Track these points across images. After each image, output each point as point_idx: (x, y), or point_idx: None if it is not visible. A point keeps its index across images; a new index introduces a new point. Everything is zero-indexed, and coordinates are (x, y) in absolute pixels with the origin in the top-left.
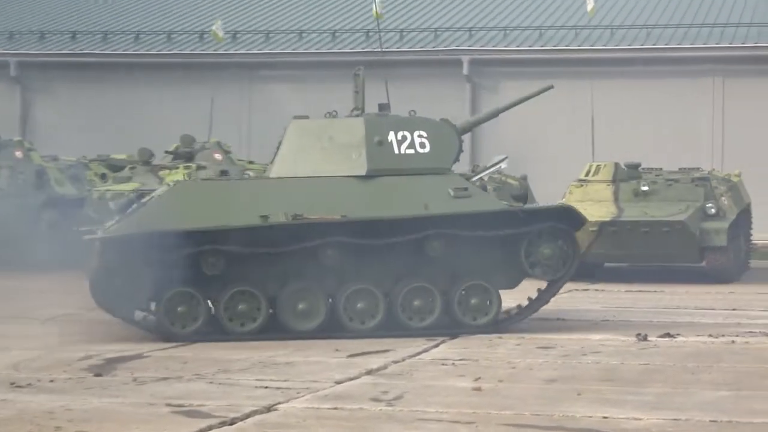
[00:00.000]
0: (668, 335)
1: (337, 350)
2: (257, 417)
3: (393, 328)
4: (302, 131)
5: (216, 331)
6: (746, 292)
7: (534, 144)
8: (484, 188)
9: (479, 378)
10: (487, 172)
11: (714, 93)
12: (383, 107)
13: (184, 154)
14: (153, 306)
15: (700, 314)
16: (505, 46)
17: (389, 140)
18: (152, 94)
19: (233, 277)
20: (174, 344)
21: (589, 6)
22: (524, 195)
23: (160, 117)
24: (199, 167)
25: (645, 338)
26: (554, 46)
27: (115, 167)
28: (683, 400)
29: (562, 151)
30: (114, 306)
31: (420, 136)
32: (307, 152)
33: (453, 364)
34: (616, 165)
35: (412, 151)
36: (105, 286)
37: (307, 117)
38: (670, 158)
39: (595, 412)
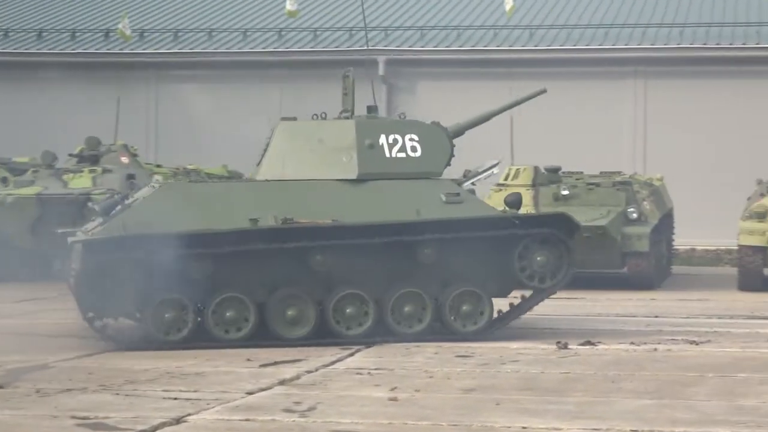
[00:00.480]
0: (589, 343)
1: (248, 360)
2: (166, 429)
3: (383, 333)
4: (290, 133)
5: (203, 338)
6: (668, 298)
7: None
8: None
9: (395, 388)
10: (478, 177)
11: (636, 94)
12: (371, 109)
13: (89, 157)
14: (138, 312)
15: (622, 321)
16: (422, 47)
17: (380, 143)
18: (55, 94)
19: (221, 283)
20: (79, 354)
21: (508, 6)
22: (518, 201)
23: (63, 118)
24: (105, 171)
25: (565, 346)
26: (472, 47)
27: (17, 171)
28: (604, 409)
29: (482, 155)
30: (100, 310)
31: (411, 139)
32: (296, 154)
33: (369, 373)
34: (536, 169)
35: (403, 154)
36: (90, 290)
37: (294, 118)
38: (591, 162)
39: (515, 422)
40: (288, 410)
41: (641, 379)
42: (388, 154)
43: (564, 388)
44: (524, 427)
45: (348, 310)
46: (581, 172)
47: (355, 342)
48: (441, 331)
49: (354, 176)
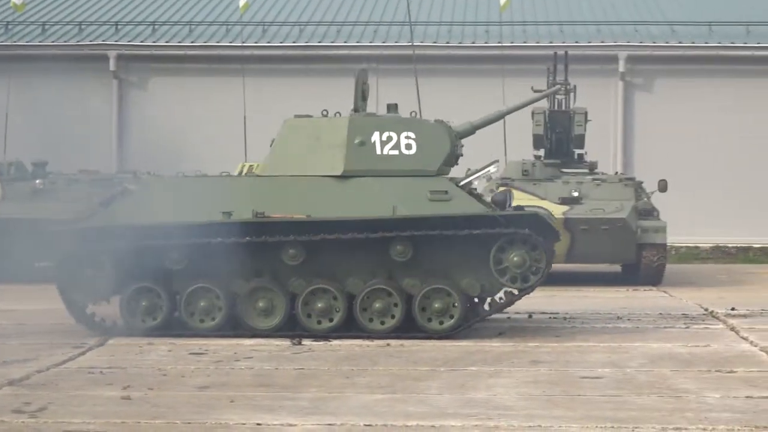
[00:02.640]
0: (324, 338)
1: None
2: None
3: (352, 329)
4: (294, 130)
5: (177, 327)
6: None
7: (181, 145)
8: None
9: (128, 386)
10: (476, 175)
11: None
12: (391, 108)
13: None
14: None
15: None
16: (154, 42)
17: (372, 141)
18: None
19: (195, 274)
20: None
21: (242, 2)
22: (504, 200)
23: None
24: None
25: (299, 342)
26: (205, 42)
27: None
28: (338, 404)
29: (213, 151)
30: (76, 295)
31: (408, 137)
32: (297, 151)
33: (101, 372)
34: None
35: (396, 152)
36: (71, 275)
37: (310, 116)
38: None
39: (249, 418)
40: (18, 411)
41: (375, 374)
42: (379, 152)
43: (298, 384)
44: (258, 424)
45: (319, 305)
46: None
47: (322, 335)
48: (412, 329)
49: (339, 172)
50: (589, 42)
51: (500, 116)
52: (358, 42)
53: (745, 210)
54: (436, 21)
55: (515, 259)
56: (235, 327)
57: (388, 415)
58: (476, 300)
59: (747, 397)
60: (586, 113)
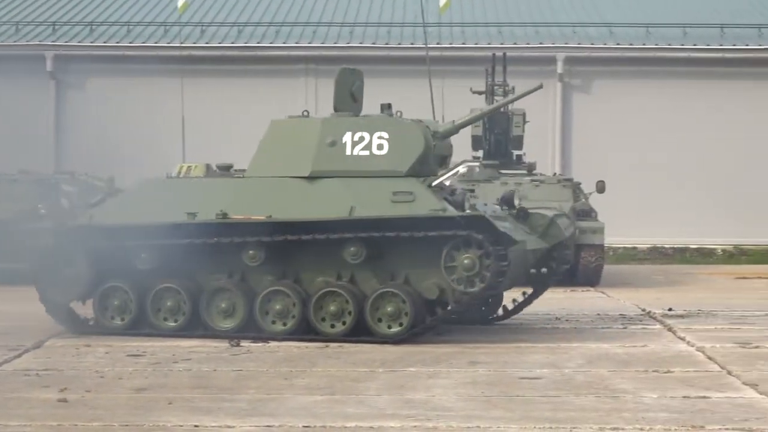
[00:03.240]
0: (261, 340)
1: None
2: None
3: (307, 331)
4: (276, 131)
5: (146, 326)
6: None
7: (119, 145)
8: (462, 195)
9: (65, 389)
10: (444, 177)
11: (307, 93)
12: (384, 108)
13: None
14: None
15: None
16: (91, 42)
17: (343, 141)
18: None
19: (163, 274)
20: None
21: (180, 2)
22: (512, 198)
23: None
24: None
25: (238, 344)
26: (143, 43)
27: None
28: (276, 405)
29: (151, 152)
30: (53, 294)
31: (381, 137)
32: (276, 152)
33: (37, 374)
34: (208, 166)
35: (366, 152)
36: (48, 274)
37: (296, 117)
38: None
39: (187, 420)
40: None
41: (313, 375)
42: (349, 152)
43: (237, 385)
44: (196, 426)
45: (277, 307)
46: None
47: (280, 338)
48: (365, 333)
49: (307, 173)
50: (528, 43)
51: (482, 116)
52: (296, 43)
53: (682, 211)
54: (375, 22)
55: (465, 261)
56: (200, 328)
57: (327, 417)
58: (436, 303)
59: (684, 397)
60: (524, 114)
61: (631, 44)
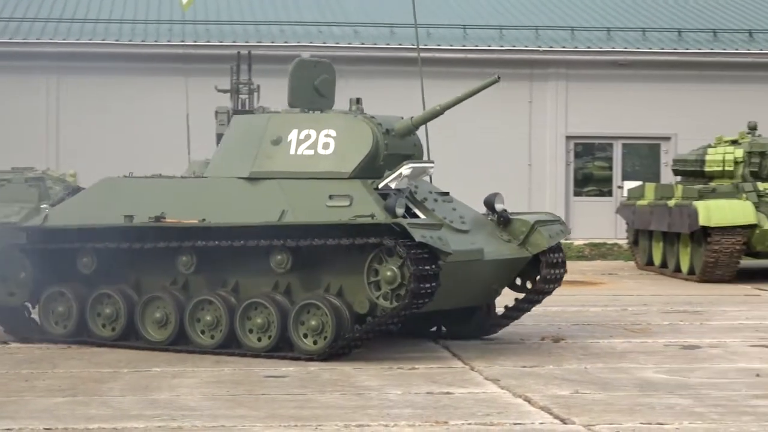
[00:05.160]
0: (4, 342)
1: None
2: None
3: (234, 345)
4: (235, 128)
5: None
6: None
7: None
8: (394, 199)
9: None
10: (389, 179)
11: (48, 94)
12: (352, 102)
13: None
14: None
15: None
16: None
17: (288, 140)
18: None
19: (103, 280)
20: None
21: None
22: (491, 202)
23: None
24: None
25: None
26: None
27: None
28: (17, 408)
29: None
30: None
31: (327, 135)
32: (230, 150)
33: None
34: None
35: (311, 152)
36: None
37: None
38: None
39: None
40: None
41: (55, 377)
42: (293, 152)
43: None
44: None
45: (207, 317)
46: None
47: (208, 351)
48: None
49: (246, 174)
50: (273, 42)
51: (437, 113)
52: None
53: None
54: (118, 19)
55: (387, 274)
56: (135, 338)
57: (69, 419)
58: (369, 318)
59: (428, 393)
60: None
61: (374, 44)
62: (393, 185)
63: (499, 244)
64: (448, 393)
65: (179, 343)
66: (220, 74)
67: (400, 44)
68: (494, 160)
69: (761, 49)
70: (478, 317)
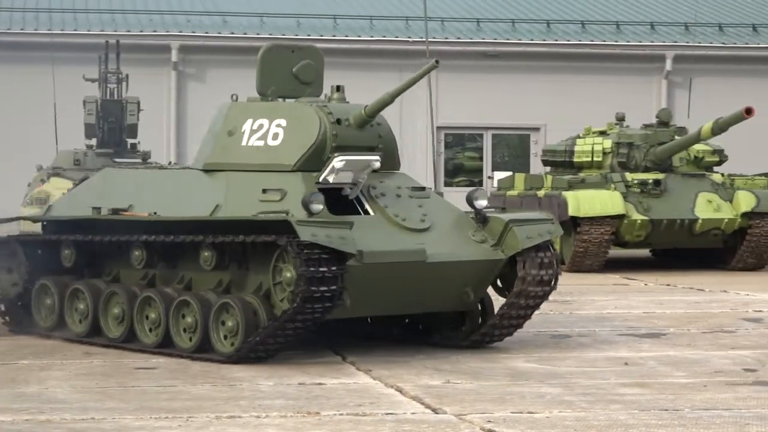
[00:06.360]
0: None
1: None
2: None
3: (170, 345)
4: (218, 116)
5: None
6: None
7: None
8: (309, 195)
9: None
10: (324, 174)
11: None
12: (334, 90)
13: None
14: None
15: None
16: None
17: (242, 130)
18: None
19: (84, 273)
20: None
21: None
22: (470, 199)
23: None
24: None
25: None
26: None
27: None
28: None
29: None
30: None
31: (278, 125)
32: (204, 140)
33: None
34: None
35: (261, 143)
36: None
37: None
38: None
39: None
40: None
41: None
42: (244, 143)
43: None
44: None
45: (152, 315)
46: None
47: (149, 351)
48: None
49: (200, 166)
50: (141, 31)
51: (387, 102)
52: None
53: None
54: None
55: (287, 275)
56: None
57: None
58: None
59: (299, 383)
60: (138, 102)
61: (245, 34)
62: (331, 179)
63: (466, 245)
64: (320, 384)
65: (133, 341)
66: (88, 63)
67: (308, 35)
68: None
69: (629, 41)
70: (469, 323)
